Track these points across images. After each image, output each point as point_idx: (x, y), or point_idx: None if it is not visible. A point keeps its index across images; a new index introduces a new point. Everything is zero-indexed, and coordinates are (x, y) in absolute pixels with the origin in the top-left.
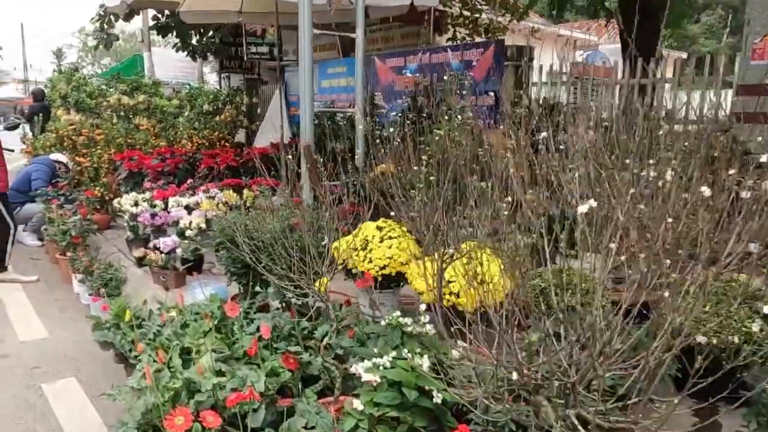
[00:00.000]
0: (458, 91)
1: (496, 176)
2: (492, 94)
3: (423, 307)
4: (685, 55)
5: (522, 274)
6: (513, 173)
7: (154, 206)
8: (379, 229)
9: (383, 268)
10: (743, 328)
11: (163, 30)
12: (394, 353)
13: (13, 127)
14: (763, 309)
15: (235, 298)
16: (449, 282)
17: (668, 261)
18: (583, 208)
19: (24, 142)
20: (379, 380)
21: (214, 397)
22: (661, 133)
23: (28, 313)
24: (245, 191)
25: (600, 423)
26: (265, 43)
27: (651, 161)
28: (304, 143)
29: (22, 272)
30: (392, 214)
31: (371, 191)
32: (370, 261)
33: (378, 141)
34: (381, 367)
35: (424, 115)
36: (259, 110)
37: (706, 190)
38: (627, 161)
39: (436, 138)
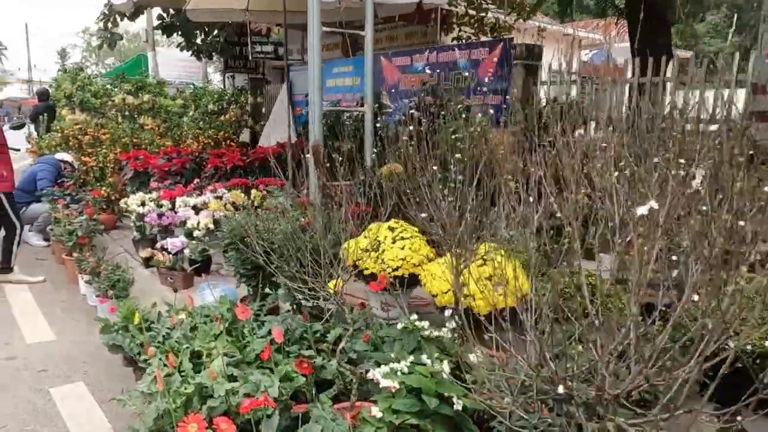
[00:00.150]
0: (467, 90)
1: (524, 176)
2: (501, 93)
3: (448, 312)
4: (689, 54)
5: (559, 277)
6: (543, 173)
7: (161, 206)
8: (391, 229)
9: (396, 269)
10: None
11: (167, 29)
12: (411, 358)
13: (19, 127)
14: None
15: (244, 299)
16: (463, 285)
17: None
18: (643, 210)
19: (29, 142)
20: (397, 386)
21: (226, 403)
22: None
23: (35, 314)
24: (253, 191)
25: None
26: (270, 42)
27: (681, 161)
28: (313, 143)
29: (28, 273)
30: (413, 214)
31: (388, 191)
32: (383, 262)
33: (388, 140)
34: (399, 373)
35: (433, 113)
36: (263, 110)
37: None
38: (655, 161)
39: (459, 138)
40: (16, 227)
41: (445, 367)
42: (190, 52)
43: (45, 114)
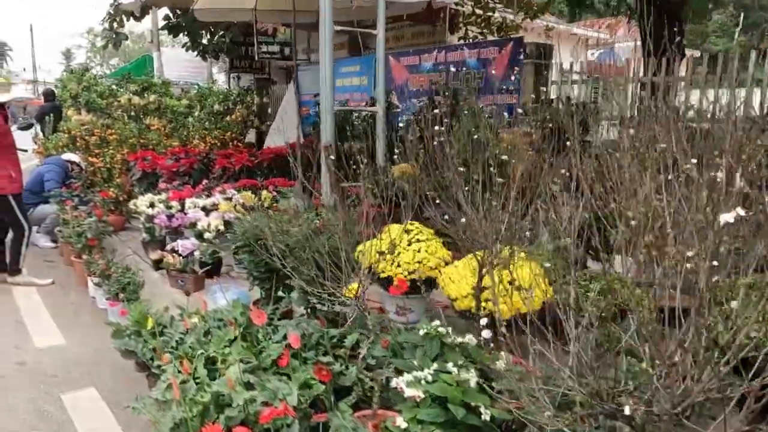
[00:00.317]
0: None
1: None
2: (511, 92)
3: (483, 321)
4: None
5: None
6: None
7: (171, 208)
8: (407, 231)
9: (412, 272)
10: None
11: (174, 29)
12: (435, 366)
13: (27, 127)
14: None
15: (257, 303)
16: (484, 288)
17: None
18: (727, 217)
19: (36, 142)
20: (422, 396)
21: (244, 411)
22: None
23: (44, 317)
24: (264, 192)
25: None
26: (276, 42)
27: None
28: (325, 143)
29: (36, 275)
30: (433, 214)
31: (410, 193)
32: (398, 265)
33: (406, 141)
34: (423, 381)
35: (444, 113)
36: (269, 110)
37: None
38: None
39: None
40: (25, 229)
41: (473, 376)
42: (196, 53)
43: (51, 114)
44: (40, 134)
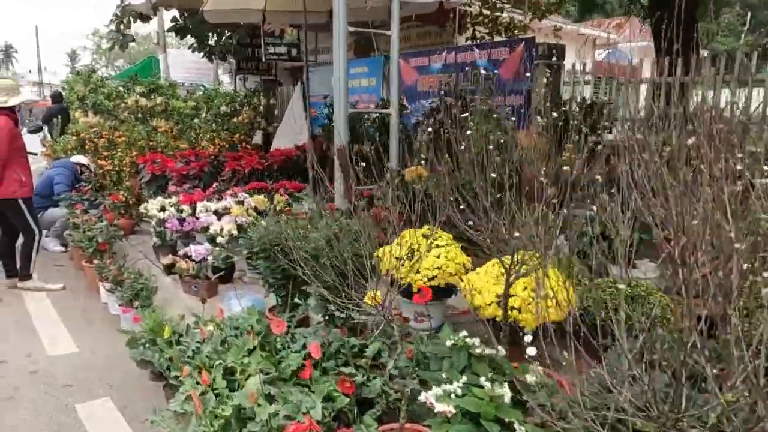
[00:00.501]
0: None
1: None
2: (522, 93)
3: (528, 338)
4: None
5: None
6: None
7: (182, 211)
8: (425, 236)
9: (432, 279)
10: None
11: (181, 31)
12: (464, 378)
13: (36, 130)
14: None
15: (272, 310)
16: (511, 296)
17: None
18: None
19: (43, 145)
20: (453, 411)
21: (267, 426)
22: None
23: (56, 323)
24: (276, 196)
25: None
26: (283, 43)
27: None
28: (338, 145)
29: (46, 279)
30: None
31: (437, 197)
32: (418, 272)
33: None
34: (452, 395)
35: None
36: (276, 112)
37: None
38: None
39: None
40: (35, 233)
41: (507, 391)
42: (202, 54)
43: (58, 116)
44: (48, 137)
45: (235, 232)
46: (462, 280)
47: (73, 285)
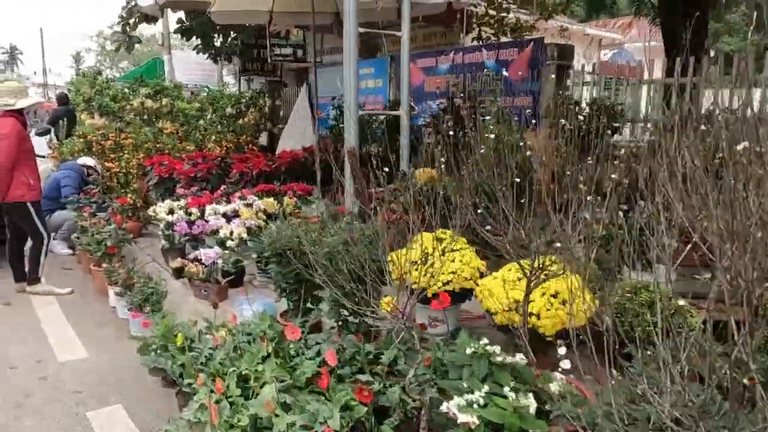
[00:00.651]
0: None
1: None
2: (530, 94)
3: (562, 350)
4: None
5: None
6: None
7: (190, 214)
8: (439, 240)
9: (447, 283)
10: None
11: (186, 32)
12: (486, 388)
13: (44, 133)
14: None
15: (284, 314)
16: (531, 301)
17: None
18: None
19: (50, 147)
20: (476, 422)
21: None
22: None
23: (65, 328)
24: (285, 199)
25: None
26: (289, 44)
27: None
28: (349, 147)
29: (55, 283)
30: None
31: (458, 201)
32: (432, 276)
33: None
34: (475, 405)
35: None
36: (281, 113)
37: None
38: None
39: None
40: (44, 237)
41: (532, 402)
42: (207, 55)
43: (65, 118)
44: (54, 139)
45: (245, 236)
46: (477, 285)
47: (81, 289)
